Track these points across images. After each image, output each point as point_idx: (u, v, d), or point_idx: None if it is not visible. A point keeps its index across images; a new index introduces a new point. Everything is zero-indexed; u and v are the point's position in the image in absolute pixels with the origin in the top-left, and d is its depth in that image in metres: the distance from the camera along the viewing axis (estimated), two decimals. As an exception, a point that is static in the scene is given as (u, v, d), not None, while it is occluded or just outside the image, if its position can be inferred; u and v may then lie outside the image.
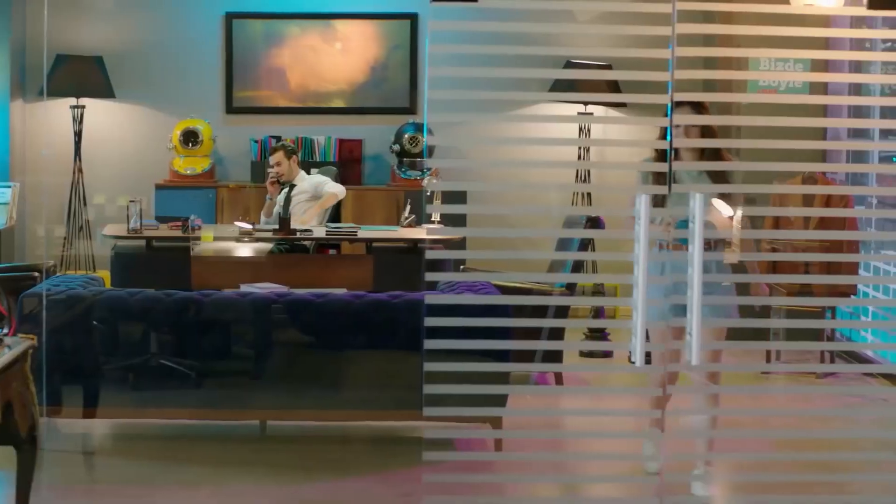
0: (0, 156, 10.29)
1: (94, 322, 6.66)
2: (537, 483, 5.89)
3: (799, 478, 5.03)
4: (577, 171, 10.53)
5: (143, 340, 6.83)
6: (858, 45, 6.18)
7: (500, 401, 6.21)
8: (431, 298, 5.30)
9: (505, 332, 5.67)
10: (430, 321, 5.25)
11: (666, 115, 5.00)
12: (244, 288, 7.78)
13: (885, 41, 7.70)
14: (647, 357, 4.52)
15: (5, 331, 5.41)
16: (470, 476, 5.48)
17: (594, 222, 7.92)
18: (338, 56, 10.89)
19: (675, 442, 5.41)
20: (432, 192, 9.64)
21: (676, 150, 5.75)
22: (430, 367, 5.25)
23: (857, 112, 8.86)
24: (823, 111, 9.29)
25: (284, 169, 9.53)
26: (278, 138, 10.58)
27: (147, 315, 6.75)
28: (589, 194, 10.48)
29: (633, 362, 4.57)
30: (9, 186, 9.78)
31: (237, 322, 6.92)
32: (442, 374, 5.23)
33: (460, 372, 5.29)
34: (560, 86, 9.66)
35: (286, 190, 9.54)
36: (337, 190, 9.57)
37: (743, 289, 6.38)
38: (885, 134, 8.21)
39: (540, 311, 6.99)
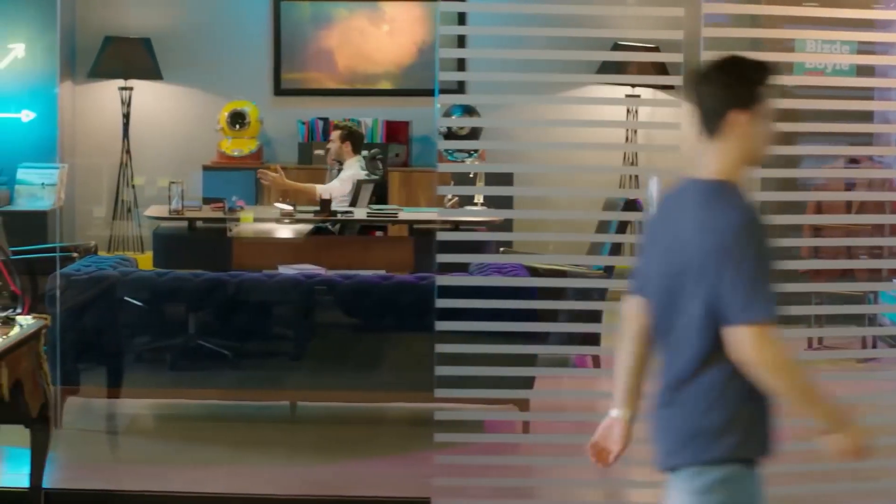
0: (49, 137, 10.35)
1: (122, 302, 6.67)
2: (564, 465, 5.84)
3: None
4: (625, 153, 10.43)
5: (171, 321, 6.84)
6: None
7: (527, 383, 6.16)
8: (443, 280, 5.26)
9: (529, 314, 5.62)
10: (442, 303, 5.23)
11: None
12: (282, 269, 7.76)
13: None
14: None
15: (19, 310, 5.42)
16: (485, 458, 5.49)
17: (631, 205, 7.82)
18: (385, 38, 10.84)
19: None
20: (475, 175, 9.57)
21: None
22: (441, 348, 5.22)
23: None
24: (871, 94, 9.09)
25: (334, 147, 9.55)
26: (325, 120, 10.58)
27: (175, 296, 6.75)
28: (636, 177, 10.34)
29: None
30: (57, 168, 9.86)
31: (265, 303, 6.91)
32: (457, 356, 5.20)
33: (482, 354, 5.27)
34: (607, 68, 9.53)
35: (336, 170, 9.56)
36: (329, 188, 9.48)
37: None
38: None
39: (582, 294, 6.91)
